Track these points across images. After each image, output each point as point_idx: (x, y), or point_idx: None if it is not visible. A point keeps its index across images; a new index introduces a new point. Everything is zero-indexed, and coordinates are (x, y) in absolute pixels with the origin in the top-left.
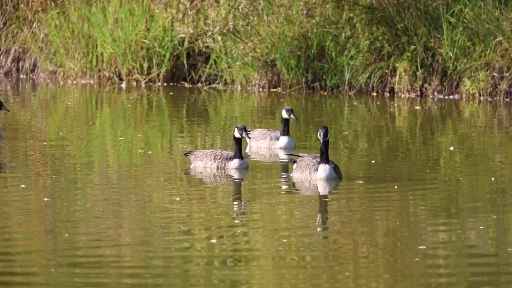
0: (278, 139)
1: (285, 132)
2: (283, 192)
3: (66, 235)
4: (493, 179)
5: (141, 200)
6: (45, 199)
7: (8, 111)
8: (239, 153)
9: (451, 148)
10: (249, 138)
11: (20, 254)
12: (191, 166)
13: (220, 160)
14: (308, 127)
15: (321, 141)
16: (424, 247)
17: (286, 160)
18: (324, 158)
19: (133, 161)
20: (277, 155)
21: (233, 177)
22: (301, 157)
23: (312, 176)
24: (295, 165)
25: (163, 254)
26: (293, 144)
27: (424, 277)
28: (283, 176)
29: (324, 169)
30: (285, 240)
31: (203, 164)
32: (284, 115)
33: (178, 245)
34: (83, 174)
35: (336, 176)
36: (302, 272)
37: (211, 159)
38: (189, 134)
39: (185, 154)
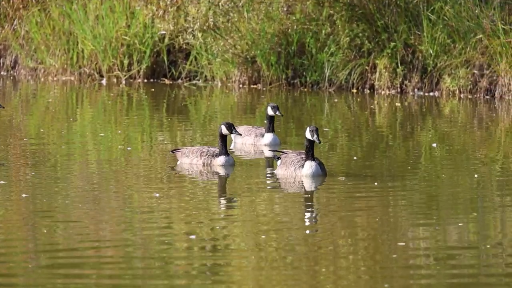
0: (263, 135)
1: (270, 129)
2: (267, 189)
3: (45, 230)
4: (474, 175)
5: (121, 197)
6: (23, 195)
7: (3, 108)
8: (224, 149)
9: (434, 145)
10: (240, 134)
11: None
12: (178, 162)
13: (206, 156)
14: (288, 124)
15: (317, 142)
16: (403, 243)
17: (271, 157)
18: (310, 155)
19: (113, 157)
20: (262, 152)
21: (218, 174)
22: (285, 153)
23: (298, 172)
24: (279, 162)
25: (142, 250)
26: (278, 141)
27: (402, 274)
28: (267, 173)
29: (310, 166)
30: (263, 236)
31: (189, 160)
32: (270, 112)
33: (158, 239)
34: (63, 171)
35: (321, 173)
36: (282, 267)
37: (197, 155)
38: (169, 130)
39: (172, 151)
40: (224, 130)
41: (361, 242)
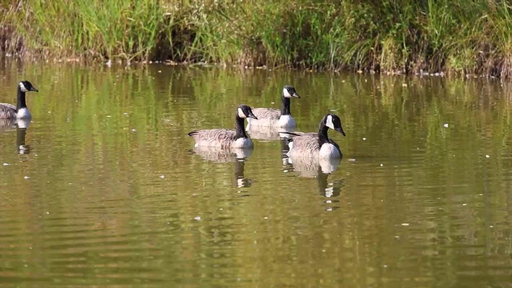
0: (279, 118)
1: (286, 111)
2: (281, 171)
3: (48, 212)
4: (480, 156)
5: (126, 178)
6: (26, 177)
7: (37, 91)
8: (242, 132)
9: (446, 125)
10: (256, 118)
11: None
12: (195, 145)
13: (225, 139)
14: (294, 106)
15: (336, 130)
16: (407, 224)
17: (282, 138)
18: (325, 138)
19: (119, 139)
20: (279, 134)
21: (237, 156)
22: (298, 135)
23: (314, 154)
24: (291, 144)
25: (148, 230)
26: (294, 123)
27: (403, 254)
28: (283, 155)
29: (328, 147)
30: (271, 215)
31: (208, 143)
32: (286, 93)
33: (163, 221)
34: (68, 152)
35: (339, 154)
36: (287, 246)
37: (215, 138)
38: (175, 112)
39: (189, 134)
40: (241, 113)
41: (366, 222)
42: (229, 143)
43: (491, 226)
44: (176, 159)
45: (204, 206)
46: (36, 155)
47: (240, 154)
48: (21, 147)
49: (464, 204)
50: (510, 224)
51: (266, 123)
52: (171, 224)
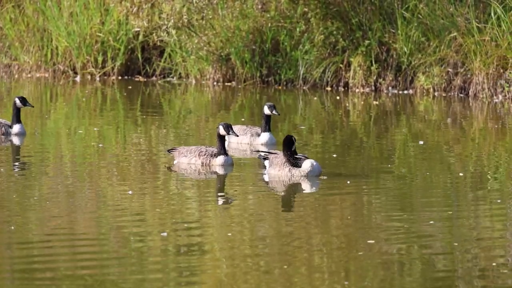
0: (259, 135)
1: (267, 128)
2: (256, 188)
3: (12, 227)
4: (448, 173)
5: (95, 194)
6: None
7: (33, 107)
8: (223, 149)
9: (421, 142)
10: (237, 135)
11: None
12: (175, 162)
13: (205, 156)
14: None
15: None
16: (373, 241)
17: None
18: (303, 157)
19: (87, 154)
20: (257, 151)
21: (217, 173)
22: (274, 153)
23: (294, 172)
24: (267, 162)
25: (116, 245)
26: (274, 140)
27: (373, 271)
28: (263, 173)
29: (311, 164)
30: (238, 233)
31: (188, 160)
32: (266, 111)
33: (132, 237)
34: (37, 167)
35: (320, 170)
36: (252, 266)
37: (195, 155)
38: (144, 128)
39: (168, 151)
40: (222, 131)
41: (334, 239)
42: (210, 160)
43: (459, 244)
44: (147, 175)
45: (172, 223)
46: (2, 170)
47: (220, 171)
48: None
49: (431, 222)
50: (478, 241)
51: (246, 140)
52: (140, 242)
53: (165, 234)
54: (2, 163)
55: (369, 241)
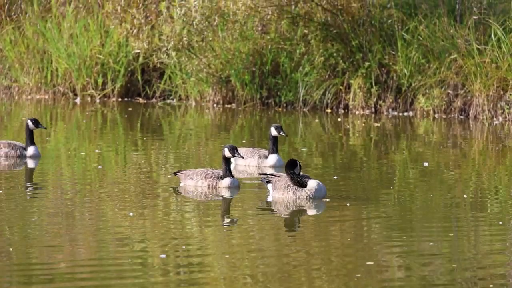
0: (266, 157)
1: (274, 150)
2: (259, 210)
3: (10, 249)
4: (448, 196)
5: (95, 215)
6: None
7: (45, 128)
8: (229, 172)
9: (426, 163)
10: (242, 157)
11: None
12: (181, 184)
13: (211, 178)
14: (262, 144)
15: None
16: (372, 263)
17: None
18: (306, 177)
19: (87, 176)
20: (260, 174)
21: (223, 196)
22: (278, 176)
23: (298, 194)
24: (269, 185)
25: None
26: (282, 162)
27: None
28: (265, 195)
29: (317, 183)
30: (238, 253)
31: (194, 182)
32: (274, 132)
33: (131, 260)
34: (37, 189)
35: (326, 191)
36: (253, 284)
37: (202, 177)
38: (143, 150)
39: (174, 173)
40: (227, 153)
41: (334, 259)
42: (216, 182)
43: (458, 266)
44: (153, 197)
45: (172, 244)
46: (1, 191)
47: (226, 194)
48: None
49: (431, 244)
50: (477, 264)
51: (254, 163)
52: (140, 264)
53: (164, 256)
54: (0, 185)
55: (368, 263)
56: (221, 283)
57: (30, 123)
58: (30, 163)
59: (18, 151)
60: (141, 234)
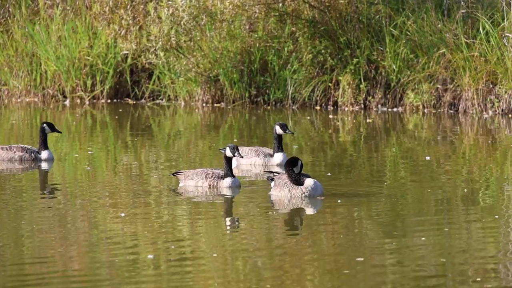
0: (272, 155)
1: (280, 148)
2: (256, 209)
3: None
4: (438, 191)
5: (86, 216)
6: None
7: (60, 133)
8: (230, 171)
9: (428, 157)
10: (242, 157)
11: None
12: (180, 185)
13: (212, 178)
14: (252, 143)
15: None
16: (362, 259)
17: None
18: (305, 176)
19: (78, 177)
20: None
21: (224, 196)
22: (279, 174)
23: (293, 192)
24: (272, 183)
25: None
26: None
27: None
28: (267, 194)
29: (314, 181)
30: (230, 251)
31: (194, 183)
32: (279, 130)
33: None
34: (28, 193)
35: (322, 189)
36: (245, 282)
37: (202, 177)
38: (133, 150)
39: (173, 174)
40: (228, 153)
41: (326, 257)
42: (217, 182)
43: (450, 262)
44: (150, 197)
45: (163, 244)
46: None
47: (227, 193)
48: None
49: (423, 238)
50: (469, 260)
51: (259, 162)
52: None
53: (151, 256)
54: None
55: (358, 259)
56: (214, 281)
57: (46, 127)
58: (44, 166)
59: (32, 154)
60: (141, 235)
